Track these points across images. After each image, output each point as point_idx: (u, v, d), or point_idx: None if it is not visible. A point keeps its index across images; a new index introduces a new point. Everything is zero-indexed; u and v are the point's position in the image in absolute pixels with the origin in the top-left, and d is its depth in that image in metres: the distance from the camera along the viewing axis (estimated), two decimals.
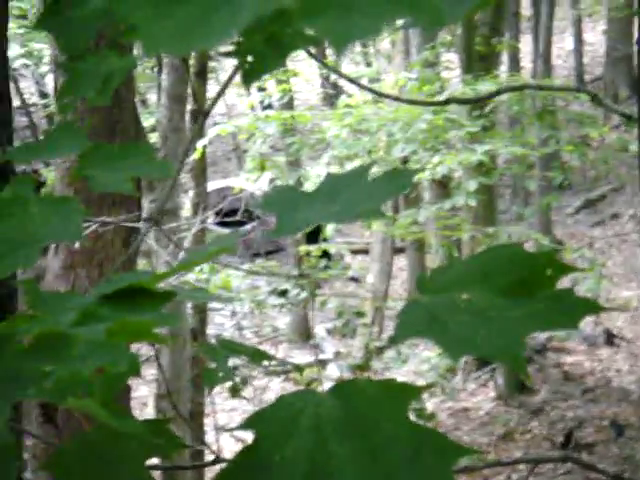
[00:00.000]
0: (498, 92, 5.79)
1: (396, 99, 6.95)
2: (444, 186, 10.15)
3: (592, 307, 1.02)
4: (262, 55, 1.17)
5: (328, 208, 1.24)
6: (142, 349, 7.27)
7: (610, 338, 10.81)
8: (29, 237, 1.15)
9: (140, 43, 0.74)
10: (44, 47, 11.45)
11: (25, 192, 1.23)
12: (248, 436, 1.02)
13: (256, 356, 1.79)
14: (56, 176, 5.28)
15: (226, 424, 8.93)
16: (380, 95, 7.08)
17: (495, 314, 1.05)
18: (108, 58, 1.42)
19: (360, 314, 10.89)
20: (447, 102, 6.21)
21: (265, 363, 1.84)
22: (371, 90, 5.48)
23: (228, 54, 1.25)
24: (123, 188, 1.25)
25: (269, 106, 14.13)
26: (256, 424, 0.99)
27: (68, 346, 1.00)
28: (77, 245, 4.97)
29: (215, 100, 2.06)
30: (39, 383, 0.96)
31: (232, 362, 1.73)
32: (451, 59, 13.12)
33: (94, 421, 1.19)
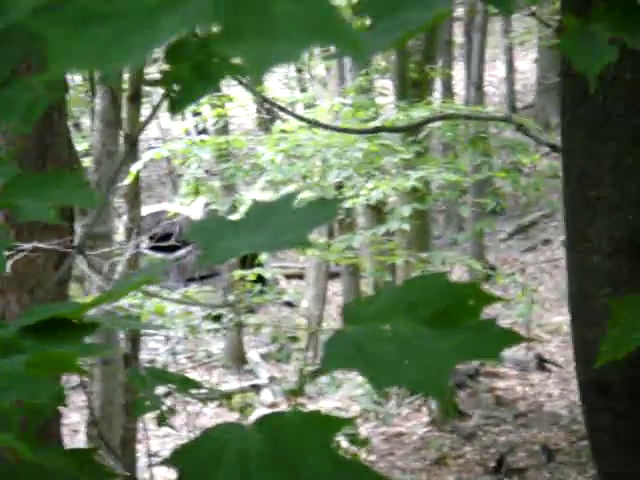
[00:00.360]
0: (429, 120, 5.84)
1: (327, 127, 6.98)
2: (378, 211, 10.20)
3: (514, 338, 1.03)
4: (189, 84, 1.17)
5: (254, 237, 1.24)
6: (73, 375, 7.19)
7: (542, 363, 10.91)
8: None
9: (50, 60, 0.73)
10: None
11: None
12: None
13: (185, 384, 1.77)
14: None
15: (159, 450, 8.85)
16: (311, 123, 7.11)
17: (419, 344, 1.05)
18: (34, 85, 1.41)
19: (294, 339, 10.89)
20: (377, 130, 6.25)
21: (195, 391, 1.83)
22: (302, 118, 5.51)
23: (155, 83, 1.24)
24: (47, 217, 1.23)
25: (204, 130, 14.11)
26: (180, 459, 0.98)
27: None
28: (8, 270, 4.90)
29: (143, 126, 2.06)
30: None
31: (165, 389, 1.72)
32: (385, 85, 13.22)
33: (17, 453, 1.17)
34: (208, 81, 1.17)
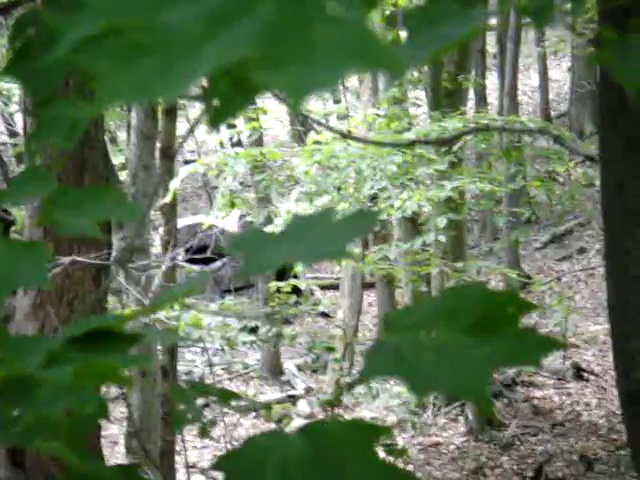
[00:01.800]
0: (465, 132, 5.84)
1: (362, 140, 7.00)
2: (413, 222, 10.20)
3: (553, 345, 1.04)
4: (228, 98, 1.19)
5: (294, 248, 1.26)
6: (112, 388, 7.24)
7: (579, 372, 10.86)
8: None
9: (100, 93, 0.75)
10: (13, 87, 11.45)
11: None
12: (219, 475, 1.03)
13: (224, 396, 1.79)
14: (26, 215, 5.28)
15: (197, 462, 8.88)
16: (346, 137, 7.13)
17: (459, 352, 1.06)
18: (75, 103, 1.43)
19: (330, 349, 10.89)
20: (413, 143, 6.26)
21: (234, 402, 1.85)
22: (337, 131, 5.53)
23: (194, 98, 1.27)
24: (90, 231, 1.26)
25: (239, 142, 14.16)
26: (225, 465, 1.01)
27: (35, 389, 1.00)
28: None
29: (183, 141, 2.09)
30: (7, 427, 0.97)
31: (203, 400, 1.74)
32: (418, 96, 13.23)
33: (62, 465, 1.19)
34: (247, 95, 1.19)
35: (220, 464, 1.01)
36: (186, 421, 1.66)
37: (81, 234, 1.28)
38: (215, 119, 1.21)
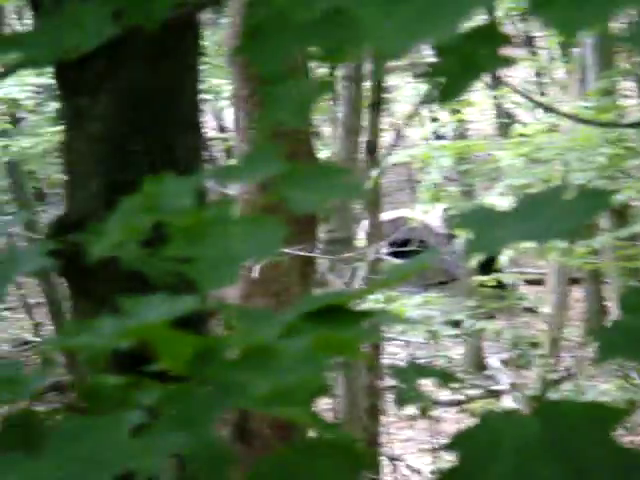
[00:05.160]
0: None
1: (584, 121, 6.83)
2: (621, 215, 9.93)
3: None
4: (456, 76, 1.18)
5: (525, 227, 1.23)
6: None
7: None
8: (230, 255, 1.18)
9: (363, 38, 0.77)
10: (223, 82, 11.73)
11: (225, 213, 1.26)
12: (423, 467, 1.02)
13: (445, 378, 1.78)
14: (239, 197, 5.37)
15: (401, 454, 8.89)
16: (565, 116, 6.99)
17: None
18: (302, 82, 1.45)
19: (535, 345, 10.72)
20: (633, 125, 6.09)
21: (455, 385, 1.84)
22: (556, 111, 5.42)
23: (423, 75, 1.26)
24: (320, 209, 1.27)
25: (442, 137, 14.13)
26: (459, 445, 0.99)
27: (274, 358, 1.02)
28: (256, 275, 5.05)
29: (397, 135, 2.09)
30: (247, 394, 0.99)
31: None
32: (629, 87, 12.85)
33: (284, 440, 1.20)
34: (474, 73, 1.18)
35: (454, 444, 1.00)
36: (407, 400, 1.66)
37: (308, 212, 1.29)
38: (444, 96, 1.20)
